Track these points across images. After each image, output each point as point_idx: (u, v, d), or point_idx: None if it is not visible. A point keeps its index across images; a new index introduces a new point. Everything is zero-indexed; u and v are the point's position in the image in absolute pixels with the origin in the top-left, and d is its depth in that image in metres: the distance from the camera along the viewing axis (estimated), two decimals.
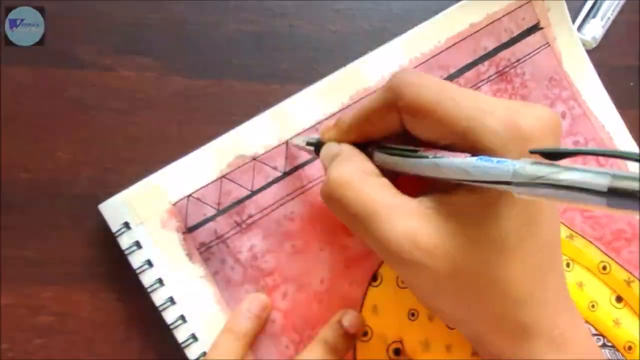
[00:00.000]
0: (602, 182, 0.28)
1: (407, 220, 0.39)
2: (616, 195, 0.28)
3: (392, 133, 0.43)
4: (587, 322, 0.54)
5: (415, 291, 0.43)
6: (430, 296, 0.42)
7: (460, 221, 0.38)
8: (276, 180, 0.52)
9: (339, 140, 0.46)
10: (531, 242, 0.39)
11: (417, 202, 0.40)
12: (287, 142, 0.52)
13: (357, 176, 0.41)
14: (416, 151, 0.40)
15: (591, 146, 0.57)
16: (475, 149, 0.37)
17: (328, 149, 0.46)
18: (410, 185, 0.42)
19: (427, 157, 0.39)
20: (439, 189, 0.40)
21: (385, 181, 0.42)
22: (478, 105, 0.38)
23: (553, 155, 0.33)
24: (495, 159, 0.35)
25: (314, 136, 0.49)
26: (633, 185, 0.27)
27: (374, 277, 0.52)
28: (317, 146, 0.48)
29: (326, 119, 0.52)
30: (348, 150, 0.44)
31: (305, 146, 0.50)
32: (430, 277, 0.38)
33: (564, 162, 0.32)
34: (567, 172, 0.30)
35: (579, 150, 0.33)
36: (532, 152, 0.34)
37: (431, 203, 0.39)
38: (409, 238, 0.38)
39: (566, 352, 0.40)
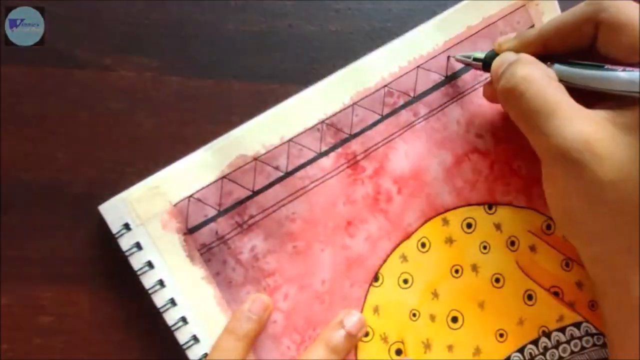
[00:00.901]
0: None
1: (584, 124, 0.41)
2: None
3: (574, 50, 0.46)
4: (587, 321, 0.54)
5: (563, 196, 0.44)
6: (578, 203, 0.43)
7: (633, 134, 0.41)
8: (278, 180, 0.51)
9: (518, 51, 0.48)
10: None
11: (594, 111, 0.42)
12: (448, 57, 0.54)
13: (543, 75, 0.44)
14: (603, 66, 0.43)
15: None
16: None
17: (504, 57, 0.47)
18: (584, 100, 0.43)
19: (616, 70, 0.42)
20: (613, 105, 0.42)
21: (564, 88, 0.44)
22: None
23: None
24: None
25: (479, 52, 0.51)
26: None
27: (376, 278, 0.52)
28: (484, 60, 0.50)
29: (327, 118, 0.52)
30: (528, 56, 0.46)
31: (472, 61, 0.51)
32: (592, 183, 0.41)
33: None
34: None
35: None
36: None
37: (607, 114, 0.42)
38: (582, 140, 0.41)
39: None
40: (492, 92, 0.51)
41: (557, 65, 0.45)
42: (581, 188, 0.42)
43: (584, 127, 0.41)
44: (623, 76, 0.41)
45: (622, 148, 0.40)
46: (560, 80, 0.44)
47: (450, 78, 0.54)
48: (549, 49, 0.47)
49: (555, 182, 0.44)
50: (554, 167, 0.43)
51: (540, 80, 0.43)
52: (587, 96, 0.43)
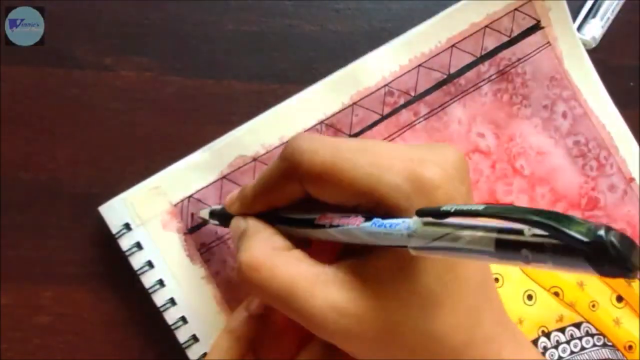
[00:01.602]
0: (490, 237, 0.28)
1: (327, 291, 0.37)
2: (502, 249, 0.28)
3: (296, 200, 0.42)
4: (587, 321, 0.54)
5: (353, 355, 0.42)
6: None
7: (381, 281, 0.37)
8: None
9: (244, 213, 0.44)
10: (459, 286, 0.37)
11: (334, 269, 0.38)
12: (192, 214, 0.51)
13: (268, 254, 0.40)
14: (313, 221, 0.39)
15: (592, 146, 0.56)
16: (380, 208, 0.36)
17: (235, 224, 0.44)
18: (325, 248, 0.41)
19: (324, 226, 0.38)
20: (355, 249, 0.38)
21: (297, 253, 0.40)
22: (375, 162, 0.37)
23: (442, 214, 0.31)
24: (389, 222, 0.34)
25: (217, 206, 0.49)
26: (518, 238, 0.27)
27: None
28: (220, 217, 0.47)
29: (327, 118, 0.52)
30: (254, 226, 0.43)
31: (209, 219, 0.49)
32: (362, 343, 0.37)
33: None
34: (460, 231, 0.30)
35: (463, 210, 0.31)
36: (421, 215, 0.33)
37: (348, 268, 0.38)
38: (332, 308, 0.37)
39: None
40: None
41: (279, 226, 0.42)
42: (358, 350, 0.38)
43: (329, 295, 0.37)
44: (325, 232, 0.38)
45: (373, 301, 0.36)
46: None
47: (452, 76, 0.54)
48: (272, 205, 0.43)
49: (341, 348, 0.40)
50: (327, 339, 0.39)
51: (267, 262, 0.39)
52: (329, 242, 0.40)
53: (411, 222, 0.33)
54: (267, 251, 0.40)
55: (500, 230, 0.28)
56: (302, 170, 0.38)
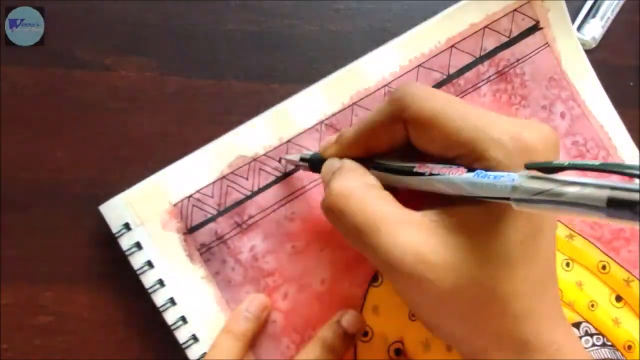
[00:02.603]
0: (602, 195, 0.29)
1: (411, 233, 0.38)
2: (615, 207, 0.28)
3: (395, 147, 0.43)
4: (586, 321, 0.54)
5: (414, 307, 0.43)
6: (429, 312, 0.42)
7: (465, 233, 0.38)
8: (277, 180, 0.52)
9: (341, 156, 0.45)
10: (534, 254, 0.38)
11: (421, 214, 0.39)
12: (280, 159, 0.52)
13: (360, 188, 0.41)
14: (412, 169, 0.40)
15: (590, 146, 0.57)
16: (480, 161, 0.37)
17: (329, 164, 0.45)
18: (412, 197, 0.41)
19: (423, 174, 0.39)
20: (443, 201, 0.39)
21: (387, 194, 0.41)
22: (484, 118, 0.38)
23: (551, 170, 0.33)
24: (492, 174, 0.35)
25: (307, 152, 0.50)
26: (632, 196, 0.28)
27: (375, 277, 0.52)
28: (311, 162, 0.48)
29: (327, 118, 0.52)
30: (350, 164, 0.44)
31: (298, 162, 0.50)
32: (432, 292, 0.38)
33: (563, 174, 0.32)
34: (567, 187, 0.30)
35: (577, 164, 0.32)
36: (530, 167, 0.34)
37: (435, 216, 0.39)
38: (412, 251, 0.37)
39: None
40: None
41: (373, 171, 0.43)
42: (424, 299, 0.40)
43: (412, 237, 0.38)
44: (423, 180, 0.39)
45: (454, 252, 0.38)
46: (385, 184, 0.42)
47: (452, 77, 0.54)
48: (371, 150, 0.44)
49: (401, 295, 0.43)
50: (394, 282, 0.41)
51: (359, 194, 0.41)
52: (416, 194, 0.41)
53: (516, 175, 0.33)
54: (359, 184, 0.41)
55: (613, 188, 0.29)
56: (411, 113, 0.40)
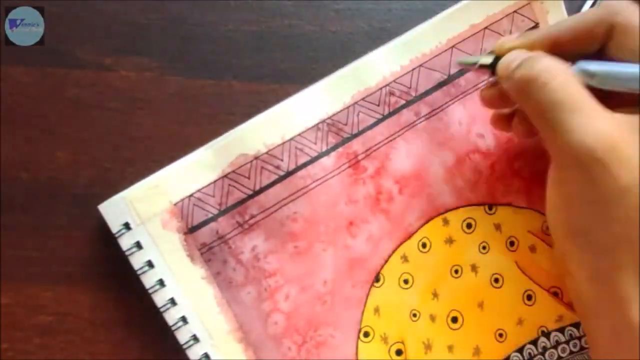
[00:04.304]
0: None
1: (608, 124, 0.40)
2: None
3: (582, 52, 0.45)
4: None
5: (567, 203, 0.43)
6: (588, 207, 0.42)
7: None
8: (279, 179, 0.51)
9: (525, 49, 0.46)
10: None
11: (616, 114, 0.41)
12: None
13: (565, 71, 0.42)
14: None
15: None
16: None
17: (516, 53, 0.46)
18: (604, 100, 0.42)
19: None
20: (633, 110, 0.41)
21: (585, 88, 0.42)
22: None
23: None
24: None
25: (484, 56, 0.49)
26: None
27: (377, 278, 0.52)
28: (492, 64, 0.48)
29: (328, 117, 0.52)
30: (546, 54, 0.44)
31: (475, 66, 0.49)
32: (607, 185, 0.39)
33: None
34: None
35: None
36: None
37: (627, 118, 0.41)
38: (607, 139, 0.39)
39: None
40: (492, 95, 0.50)
41: (583, 63, 0.43)
42: (598, 192, 0.40)
43: (609, 127, 0.39)
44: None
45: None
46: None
47: (453, 77, 0.54)
48: (556, 51, 0.45)
49: (567, 185, 0.43)
50: (568, 168, 0.42)
51: (564, 74, 0.42)
52: (605, 100, 0.42)
53: None
54: (565, 67, 0.43)
55: None
56: (623, 18, 0.43)
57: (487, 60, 0.48)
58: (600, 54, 0.44)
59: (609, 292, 0.42)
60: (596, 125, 0.39)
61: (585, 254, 0.43)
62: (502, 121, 0.52)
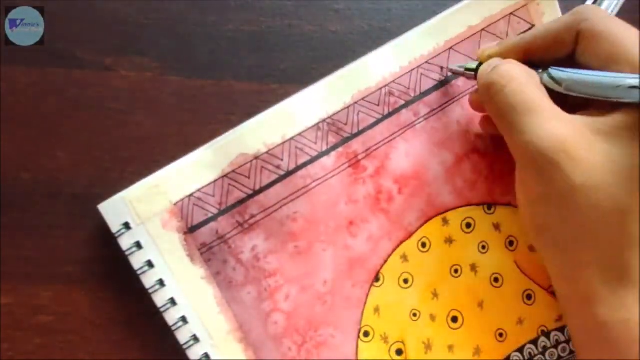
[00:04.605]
0: None
1: (562, 125, 0.42)
2: None
3: (554, 58, 0.47)
4: None
5: (530, 201, 0.45)
6: (545, 206, 0.43)
7: (609, 142, 0.41)
8: (279, 179, 0.51)
9: (501, 57, 0.48)
10: None
11: (573, 116, 0.43)
12: (442, 68, 0.55)
13: (524, 75, 0.45)
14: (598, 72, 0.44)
15: None
16: None
17: (492, 61, 0.48)
18: (563, 104, 0.44)
19: (621, 76, 0.42)
20: (592, 112, 0.43)
21: (544, 90, 0.44)
22: None
23: None
24: None
25: (471, 63, 0.51)
26: None
27: (377, 278, 0.52)
28: (476, 71, 0.50)
29: (329, 117, 0.52)
30: (515, 61, 0.47)
31: (464, 71, 0.51)
32: (562, 184, 0.41)
33: None
34: None
35: None
36: None
37: (585, 120, 0.42)
38: (559, 140, 0.41)
39: None
40: (477, 99, 0.52)
41: (552, 70, 0.45)
42: (552, 191, 0.42)
43: (562, 129, 0.41)
44: (630, 82, 0.41)
45: (597, 154, 0.41)
46: (545, 87, 0.45)
47: (451, 78, 0.54)
48: (530, 56, 0.47)
49: (527, 185, 0.45)
50: (527, 168, 0.44)
51: (522, 78, 0.44)
52: (566, 103, 0.44)
53: None
54: (524, 72, 0.45)
55: None
56: (588, 25, 0.44)
57: (472, 66, 0.50)
58: (570, 60, 0.46)
59: (576, 290, 0.44)
60: (549, 126, 0.42)
61: (553, 253, 0.45)
62: (487, 122, 0.53)
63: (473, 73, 0.50)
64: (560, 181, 0.41)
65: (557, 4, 0.56)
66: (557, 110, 0.43)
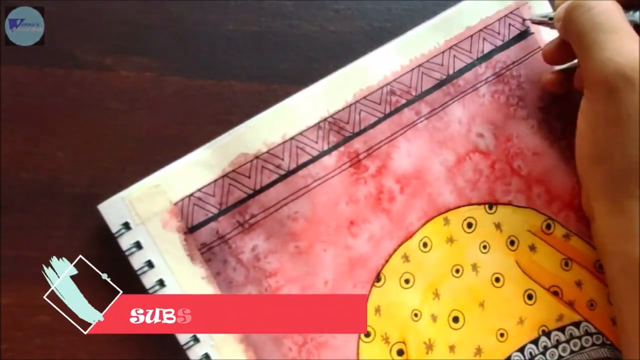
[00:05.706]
0: None
1: None
2: None
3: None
4: (586, 320, 0.55)
5: (593, 126, 0.46)
6: (609, 129, 0.44)
7: None
8: (280, 179, 0.51)
9: None
10: None
11: None
12: (523, 20, 0.57)
13: (614, 2, 0.46)
14: None
15: None
16: None
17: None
18: None
19: None
20: None
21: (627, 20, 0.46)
22: None
23: None
24: None
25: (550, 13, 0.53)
26: None
27: (378, 278, 0.52)
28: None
29: (330, 116, 0.52)
30: None
31: (547, 20, 0.53)
32: (628, 103, 0.42)
33: None
34: None
35: None
36: None
37: None
38: (637, 59, 0.42)
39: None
40: (552, 50, 0.53)
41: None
42: (621, 112, 0.43)
43: None
44: None
45: None
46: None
47: (451, 77, 0.55)
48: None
49: (593, 106, 0.45)
50: (599, 88, 0.45)
51: (610, 4, 0.46)
52: None
53: None
54: (613, 2, 0.46)
55: None
56: None
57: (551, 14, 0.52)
58: None
59: (619, 226, 0.45)
60: (631, 47, 0.43)
61: (604, 185, 0.46)
62: (557, 78, 0.55)
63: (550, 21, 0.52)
64: (631, 100, 0.42)
65: (547, 3, 0.56)
66: (636, 34, 0.44)
